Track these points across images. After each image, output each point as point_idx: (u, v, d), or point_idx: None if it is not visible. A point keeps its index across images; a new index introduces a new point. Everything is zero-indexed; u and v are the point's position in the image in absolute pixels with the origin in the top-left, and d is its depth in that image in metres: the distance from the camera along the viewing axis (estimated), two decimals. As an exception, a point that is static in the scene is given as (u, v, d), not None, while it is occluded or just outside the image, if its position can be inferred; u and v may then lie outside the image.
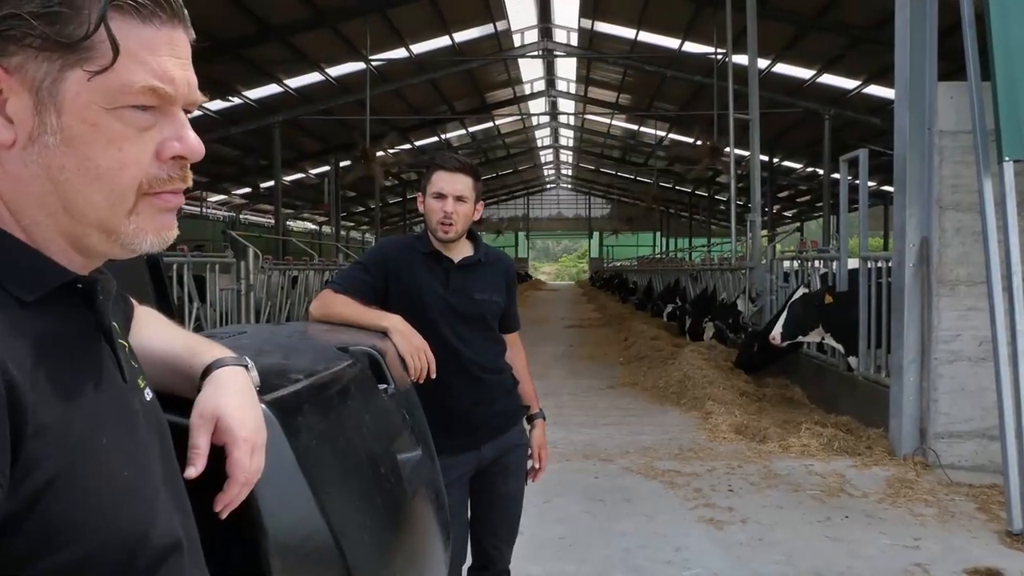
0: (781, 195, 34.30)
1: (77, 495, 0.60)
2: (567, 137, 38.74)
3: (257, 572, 1.05)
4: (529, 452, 2.51)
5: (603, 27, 19.87)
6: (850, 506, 4.49)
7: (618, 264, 39.92)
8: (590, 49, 21.59)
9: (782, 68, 18.67)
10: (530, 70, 25.63)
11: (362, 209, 40.91)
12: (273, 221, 24.63)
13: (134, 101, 0.66)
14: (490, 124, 31.43)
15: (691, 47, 18.64)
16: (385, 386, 1.65)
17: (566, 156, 44.17)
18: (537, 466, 2.54)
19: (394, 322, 2.06)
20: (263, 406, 1.08)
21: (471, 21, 19.39)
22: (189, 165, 0.72)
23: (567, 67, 25.60)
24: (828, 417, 6.27)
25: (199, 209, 31.56)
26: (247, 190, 30.67)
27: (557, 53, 22.88)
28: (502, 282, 2.42)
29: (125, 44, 0.64)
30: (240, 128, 21.73)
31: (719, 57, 16.63)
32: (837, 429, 5.89)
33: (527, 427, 2.53)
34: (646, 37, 19.17)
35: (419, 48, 20.12)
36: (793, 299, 6.40)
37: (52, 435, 0.59)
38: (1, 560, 0.57)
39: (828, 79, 18.79)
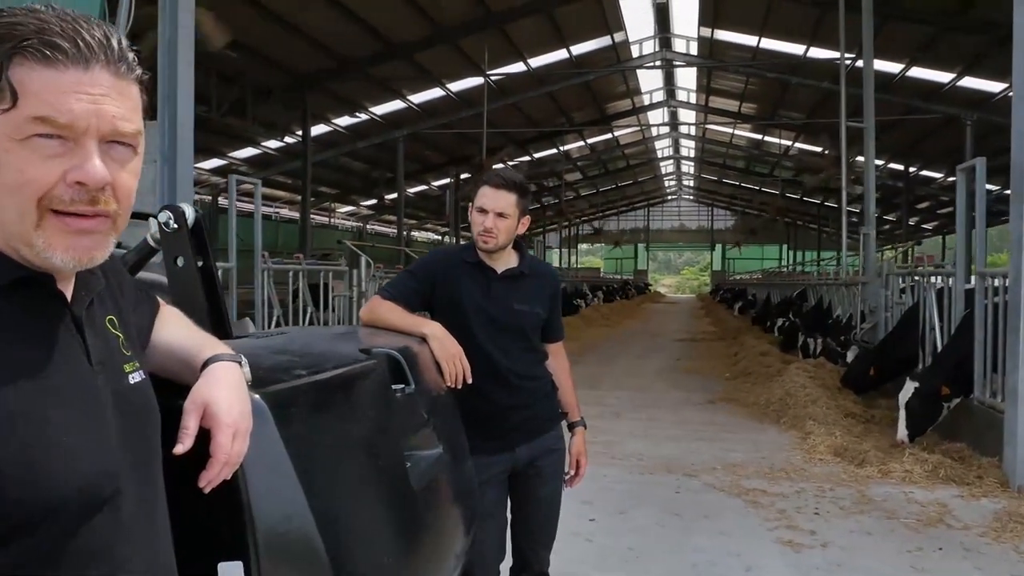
0: (920, 206, 32.23)
1: (9, 451, 0.75)
2: (688, 147, 38.06)
3: (242, 549, 1.20)
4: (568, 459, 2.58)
5: (723, 35, 19.46)
6: (947, 538, 4.23)
7: (739, 277, 38.72)
8: (710, 58, 21.17)
9: (918, 72, 17.61)
10: (649, 81, 25.45)
11: (483, 220, 41.72)
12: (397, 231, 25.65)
13: (35, 130, 0.80)
14: (609, 135, 31.38)
15: (816, 52, 17.92)
16: (402, 386, 1.78)
17: (687, 167, 43.37)
18: (574, 472, 2.60)
19: (432, 329, 2.20)
20: (257, 397, 1.23)
21: (588, 33, 19.51)
22: (111, 194, 0.85)
23: (687, 77, 25.24)
24: (938, 443, 5.90)
25: (328, 219, 33.27)
26: (373, 201, 32.09)
27: (676, 63, 22.63)
28: (545, 294, 2.50)
29: (27, 85, 0.79)
30: (366, 142, 22.85)
31: (847, 62, 15.91)
32: (946, 456, 5.53)
33: (567, 434, 2.60)
34: (769, 44, 18.61)
35: (537, 62, 20.44)
36: (907, 398, 5.83)
37: None
38: None
39: (970, 82, 17.54)
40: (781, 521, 4.45)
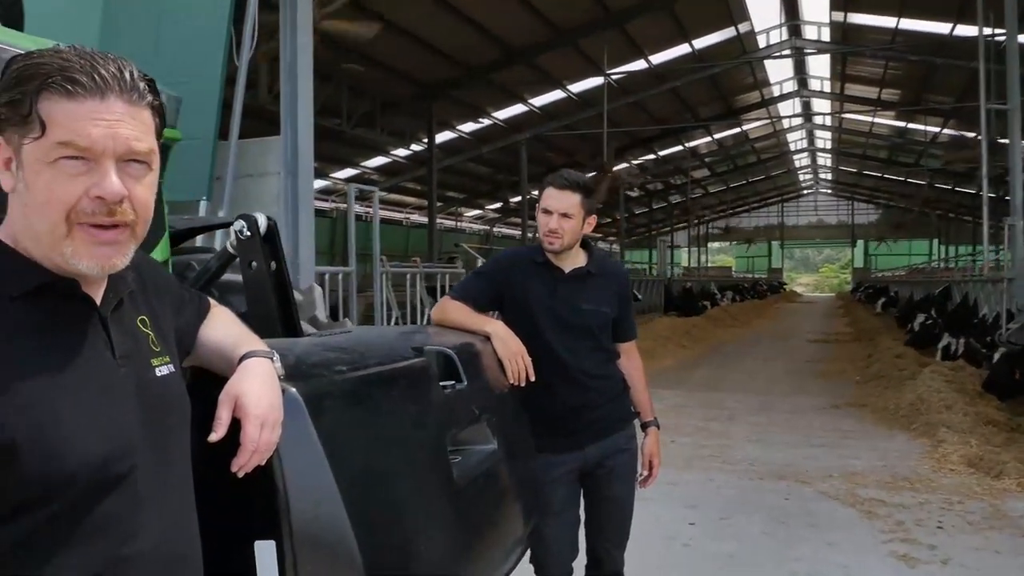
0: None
1: (24, 434, 0.88)
2: (824, 139, 36.14)
3: (275, 530, 1.30)
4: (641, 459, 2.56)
5: (858, 18, 18.37)
6: (1091, 561, 3.83)
7: (881, 275, 36.37)
8: (845, 43, 20.05)
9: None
10: (778, 71, 24.41)
11: (609, 220, 41.54)
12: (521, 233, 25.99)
13: (60, 153, 0.93)
14: (737, 130, 30.35)
15: (964, 30, 16.56)
16: (452, 383, 1.85)
17: (824, 159, 41.17)
18: (647, 473, 2.58)
19: (496, 328, 2.26)
20: (292, 390, 1.34)
21: (711, 26, 19.00)
22: (129, 206, 0.97)
23: (819, 65, 23.99)
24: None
25: (454, 223, 34.17)
26: (499, 204, 32.65)
27: (808, 51, 21.57)
28: (613, 294, 2.50)
29: (53, 116, 0.92)
30: (490, 147, 23.30)
31: (1000, 39, 14.63)
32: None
33: (641, 434, 2.59)
34: (909, 24, 17.39)
35: (658, 58, 20.09)
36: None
37: (4, 391, 0.88)
38: None
39: None
40: (897, 534, 4.19)
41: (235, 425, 1.20)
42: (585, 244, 2.51)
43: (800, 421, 7.26)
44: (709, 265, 44.98)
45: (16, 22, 2.67)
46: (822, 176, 47.07)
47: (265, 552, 1.31)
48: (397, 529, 1.49)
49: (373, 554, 1.36)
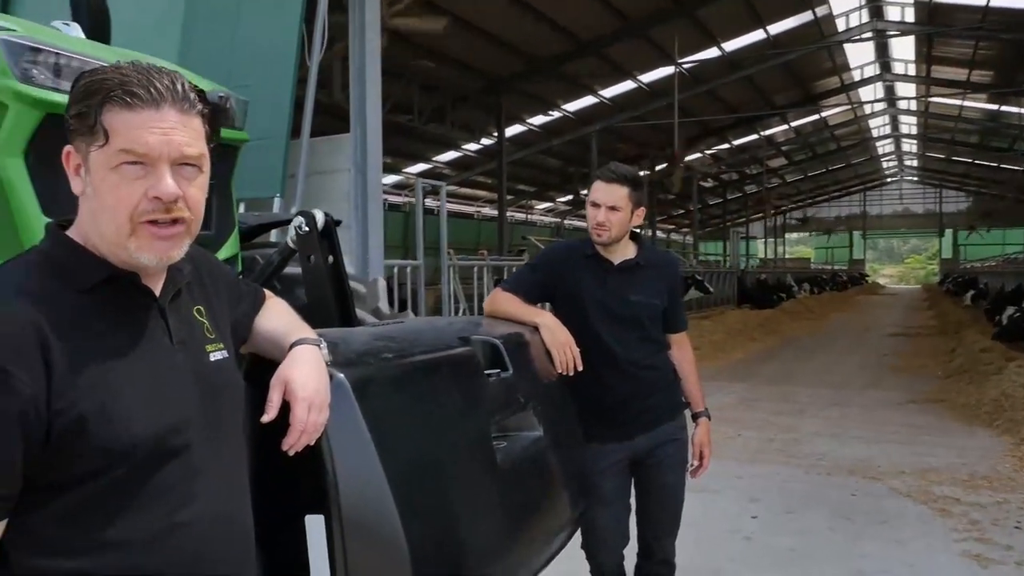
0: None
1: (93, 409, 0.99)
2: (909, 124, 34.59)
3: (324, 504, 1.40)
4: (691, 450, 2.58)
5: (945, -3, 17.54)
6: None
7: (971, 265, 34.64)
8: (930, 23, 19.16)
9: None
10: (859, 55, 23.48)
11: (683, 211, 40.89)
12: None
13: (122, 159, 1.03)
14: (816, 117, 29.39)
15: (1063, 6, 15.64)
16: (497, 371, 1.92)
17: (909, 145, 39.40)
18: (697, 463, 2.59)
19: (544, 319, 2.32)
20: (340, 375, 1.43)
21: (787, 11, 18.45)
22: (183, 204, 1.07)
23: (903, 47, 22.96)
24: None
25: (525, 216, 34.27)
26: (570, 197, 32.56)
27: (891, 33, 20.71)
28: (663, 285, 2.52)
29: (115, 126, 1.03)
30: (560, 139, 23.25)
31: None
32: None
33: (692, 425, 2.60)
34: (1000, 1, 16.50)
35: (731, 46, 19.66)
36: None
37: (76, 371, 0.99)
38: (63, 452, 0.98)
39: None
40: (971, 533, 4.05)
41: (287, 407, 1.31)
42: (635, 236, 2.54)
43: (874, 416, 7.05)
44: (786, 256, 43.77)
45: (103, 33, 2.86)
46: (907, 163, 45.05)
47: (314, 526, 1.41)
48: (439, 507, 1.57)
49: (415, 529, 1.44)
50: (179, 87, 1.08)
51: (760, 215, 39.72)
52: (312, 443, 1.34)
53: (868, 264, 54.77)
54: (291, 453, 1.32)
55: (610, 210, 2.40)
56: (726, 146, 30.14)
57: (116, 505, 1.03)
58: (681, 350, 2.62)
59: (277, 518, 1.40)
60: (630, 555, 2.60)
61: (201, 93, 1.11)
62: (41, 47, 1.88)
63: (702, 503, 4.56)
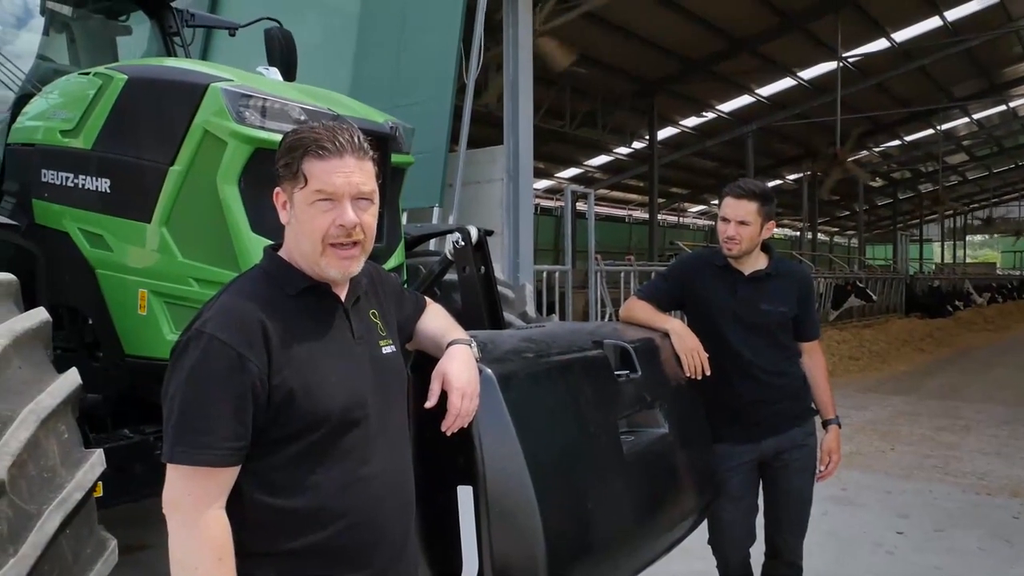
0: None
1: (299, 385, 1.33)
2: (1121, 112, 30.80)
3: (473, 477, 1.69)
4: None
5: None
6: None
7: None
8: None
9: None
10: (1055, 39, 21.25)
11: (847, 213, 38.67)
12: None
13: (316, 197, 1.37)
14: (1003, 107, 26.87)
15: None
16: (626, 372, 2.13)
17: (1121, 136, 35.02)
18: (823, 469, 2.67)
19: (674, 325, 2.51)
20: (488, 370, 1.72)
21: (967, -5, 17.11)
22: (360, 230, 1.40)
23: (1113, 27, 20.54)
24: None
25: (677, 219, 33.76)
26: (724, 198, 31.72)
27: (1094, 12, 18.63)
28: (792, 295, 2.62)
29: (311, 172, 1.37)
30: (715, 140, 22.80)
31: None
32: None
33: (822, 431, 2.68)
34: None
35: (902, 35, 18.46)
36: None
37: (287, 355, 1.34)
38: (278, 416, 1.32)
39: None
40: None
41: (445, 396, 1.61)
42: (766, 247, 2.66)
43: (1051, 437, 6.54)
44: (967, 261, 40.24)
45: (291, 72, 3.34)
46: (1119, 156, 40.05)
47: (465, 494, 1.70)
48: (568, 486, 1.82)
49: (547, 502, 1.70)
50: (356, 139, 1.41)
51: (935, 216, 36.81)
52: (465, 426, 1.63)
53: (1067, 270, 49.08)
54: (448, 434, 1.61)
55: (740, 224, 2.54)
56: (897, 143, 28.25)
57: (316, 460, 1.37)
58: (812, 358, 2.71)
59: (436, 486, 1.71)
60: (759, 557, 2.72)
61: (370, 141, 1.44)
62: (251, 94, 2.27)
63: (846, 515, 4.53)
